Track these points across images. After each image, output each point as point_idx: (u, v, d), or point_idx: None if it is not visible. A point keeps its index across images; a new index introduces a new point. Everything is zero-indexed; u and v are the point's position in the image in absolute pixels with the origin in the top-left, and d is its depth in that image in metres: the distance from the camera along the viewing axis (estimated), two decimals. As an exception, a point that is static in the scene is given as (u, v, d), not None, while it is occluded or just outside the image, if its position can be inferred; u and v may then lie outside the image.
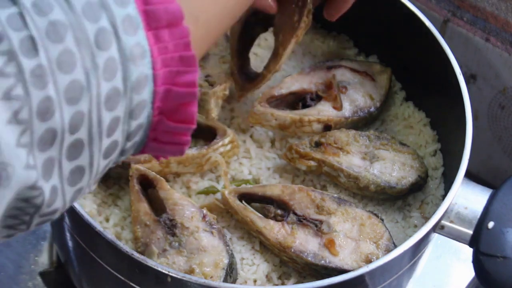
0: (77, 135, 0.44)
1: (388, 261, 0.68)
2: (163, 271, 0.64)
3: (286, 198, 0.74)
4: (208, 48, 0.57)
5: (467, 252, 0.74)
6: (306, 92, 0.83)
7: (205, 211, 0.74)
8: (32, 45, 0.42)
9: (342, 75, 0.85)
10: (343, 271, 0.70)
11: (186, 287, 0.65)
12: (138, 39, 0.46)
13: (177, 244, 0.71)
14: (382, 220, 0.75)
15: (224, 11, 0.55)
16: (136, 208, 0.73)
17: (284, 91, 0.83)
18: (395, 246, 0.72)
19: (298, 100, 0.84)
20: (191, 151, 0.76)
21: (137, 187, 0.74)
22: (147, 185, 0.75)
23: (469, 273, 0.79)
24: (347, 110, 0.82)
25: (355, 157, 0.78)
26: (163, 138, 0.51)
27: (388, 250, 0.72)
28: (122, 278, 0.69)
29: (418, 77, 0.86)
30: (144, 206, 0.73)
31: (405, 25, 0.84)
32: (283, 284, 0.73)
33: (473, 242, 0.73)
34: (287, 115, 0.81)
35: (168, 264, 0.69)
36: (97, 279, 0.77)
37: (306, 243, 0.72)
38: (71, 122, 0.44)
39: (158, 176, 0.75)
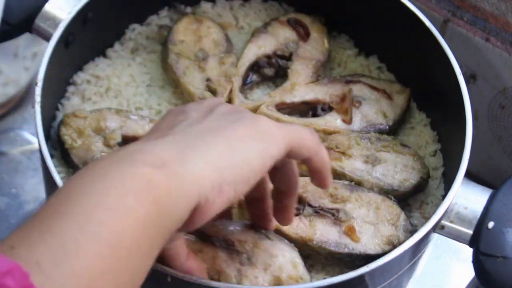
0: None
1: (388, 261, 0.68)
2: (162, 271, 0.64)
3: (299, 191, 0.74)
4: None
5: (467, 252, 0.74)
6: (320, 102, 0.83)
7: (247, 221, 0.71)
8: None
9: (359, 90, 0.84)
10: (367, 256, 0.71)
11: (187, 287, 0.64)
12: None
13: (246, 260, 0.68)
14: (396, 201, 0.75)
15: None
16: None
17: (297, 99, 0.83)
18: (413, 226, 0.73)
19: (309, 110, 0.83)
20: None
21: None
22: None
23: (469, 273, 0.79)
24: (356, 124, 0.82)
25: (357, 161, 0.78)
26: None
27: (407, 231, 0.73)
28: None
29: (418, 77, 0.86)
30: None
31: (405, 25, 0.84)
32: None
33: (473, 242, 0.73)
34: (293, 121, 0.80)
35: (251, 282, 0.67)
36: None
37: (326, 233, 0.72)
38: None
39: None
